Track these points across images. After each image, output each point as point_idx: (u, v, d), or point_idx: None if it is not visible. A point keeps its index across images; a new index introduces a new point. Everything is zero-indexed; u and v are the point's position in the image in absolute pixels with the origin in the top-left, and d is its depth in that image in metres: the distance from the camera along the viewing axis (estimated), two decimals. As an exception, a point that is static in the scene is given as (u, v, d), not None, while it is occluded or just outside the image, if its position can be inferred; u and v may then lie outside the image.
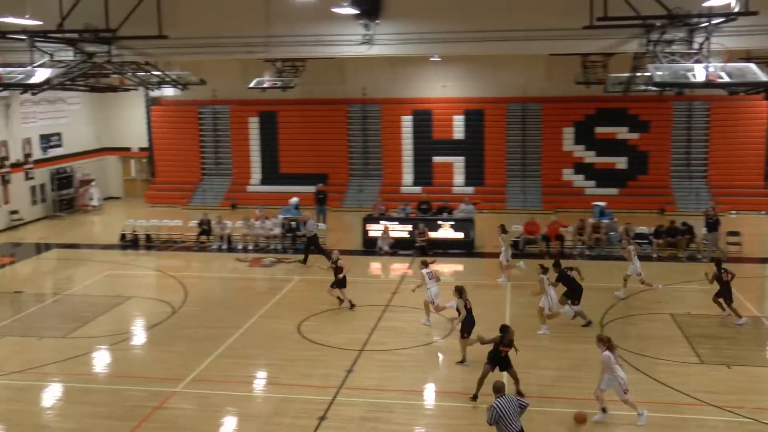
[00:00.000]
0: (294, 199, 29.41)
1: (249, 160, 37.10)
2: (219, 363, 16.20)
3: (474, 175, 35.24)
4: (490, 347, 14.06)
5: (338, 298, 19.98)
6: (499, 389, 11.07)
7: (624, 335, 17.22)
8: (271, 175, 36.64)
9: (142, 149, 38.74)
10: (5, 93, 27.19)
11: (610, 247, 25.57)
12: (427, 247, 25.73)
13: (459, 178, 35.38)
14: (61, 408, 14.51)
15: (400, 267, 24.49)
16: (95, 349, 17.47)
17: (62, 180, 34.88)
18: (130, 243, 28.35)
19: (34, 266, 26.55)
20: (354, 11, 18.77)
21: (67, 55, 19.27)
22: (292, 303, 20.50)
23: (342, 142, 36.33)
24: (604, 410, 13.12)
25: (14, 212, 31.88)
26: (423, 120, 35.58)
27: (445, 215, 27.49)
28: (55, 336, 18.22)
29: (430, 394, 14.78)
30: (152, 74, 24.94)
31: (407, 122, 35.69)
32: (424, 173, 35.57)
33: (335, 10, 18.53)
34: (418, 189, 33.99)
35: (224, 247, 27.22)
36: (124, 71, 23.50)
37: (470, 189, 34.37)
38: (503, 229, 22.79)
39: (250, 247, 27.10)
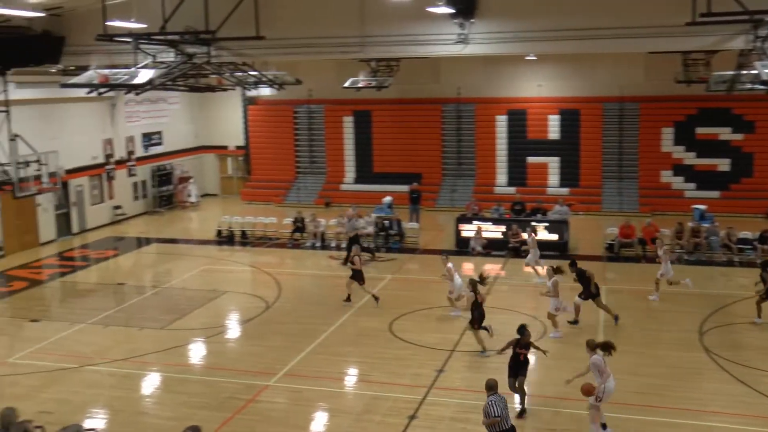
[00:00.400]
0: (387, 198, 29.54)
1: (343, 159, 37.43)
2: (311, 359, 16.40)
3: (569, 176, 34.65)
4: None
5: (374, 296, 20.27)
6: (491, 387, 11.22)
7: (726, 344, 16.65)
8: (364, 174, 36.88)
9: (238, 147, 39.57)
10: (111, 93, 28.13)
11: (710, 252, 24.72)
12: (520, 248, 25.43)
13: (554, 178, 34.85)
14: (159, 396, 14.97)
15: (492, 268, 24.26)
16: (192, 341, 17.95)
17: (162, 177, 35.96)
18: (225, 239, 29.00)
19: (135, 259, 27.46)
20: (449, 10, 18.68)
21: (169, 56, 19.79)
22: (383, 301, 20.55)
23: (436, 141, 36.27)
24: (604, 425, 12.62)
25: (117, 207, 33.07)
26: (518, 120, 35.18)
27: (539, 216, 27.12)
28: (154, 327, 18.81)
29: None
30: (249, 74, 25.42)
31: (502, 122, 35.35)
32: (518, 173, 35.18)
33: (430, 9, 18.48)
34: (511, 189, 33.60)
35: (318, 244, 27.55)
36: (223, 71, 24.02)
37: (565, 190, 33.80)
38: (534, 230, 23.56)
39: (343, 246, 27.33)
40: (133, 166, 34.30)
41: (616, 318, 18.23)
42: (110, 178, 32.76)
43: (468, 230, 26.48)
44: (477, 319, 16.57)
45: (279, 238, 28.65)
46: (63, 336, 18.26)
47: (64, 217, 29.93)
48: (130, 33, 18.40)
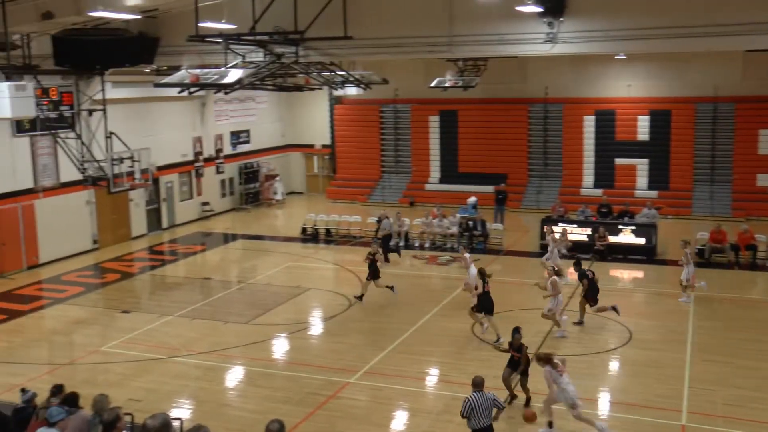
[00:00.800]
0: (472, 199, 29.38)
1: (428, 159, 37.41)
2: (392, 357, 16.45)
3: (658, 179, 33.78)
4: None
5: (388, 287, 20.64)
6: (477, 384, 11.23)
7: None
8: (449, 174, 36.77)
9: (324, 146, 39.99)
10: (201, 92, 28.86)
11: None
12: (607, 251, 24.95)
13: (642, 181, 34.04)
14: (243, 389, 15.27)
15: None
16: (275, 336, 18.24)
17: (249, 174, 36.63)
18: (310, 237, 29.35)
19: (221, 255, 28.06)
20: (538, 9, 18.45)
21: (258, 56, 20.12)
22: (466, 303, 20.41)
23: (522, 142, 35.90)
24: (550, 424, 12.77)
25: (206, 204, 33.84)
26: (606, 120, 34.49)
27: (626, 219, 26.55)
28: (239, 321, 19.19)
29: (603, 403, 14.31)
30: (336, 74, 25.63)
31: (589, 122, 34.73)
32: (605, 175, 34.49)
33: (519, 8, 18.29)
34: (598, 191, 32.99)
35: (401, 244, 27.62)
36: (310, 71, 24.27)
37: (654, 193, 32.96)
38: (551, 229, 23.81)
39: (427, 245, 27.34)
40: (221, 163, 35.05)
41: (614, 308, 18.09)
42: (199, 175, 33.56)
43: (554, 232, 26.04)
44: (483, 307, 17.42)
45: (363, 236, 28.82)
46: (152, 327, 18.81)
47: (154, 212, 30.84)
48: (220, 34, 18.78)
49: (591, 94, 34.64)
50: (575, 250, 25.35)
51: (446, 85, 29.59)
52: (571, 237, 25.72)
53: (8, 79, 14.69)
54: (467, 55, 26.47)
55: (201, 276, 24.18)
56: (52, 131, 22.56)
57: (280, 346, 17.80)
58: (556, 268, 18.25)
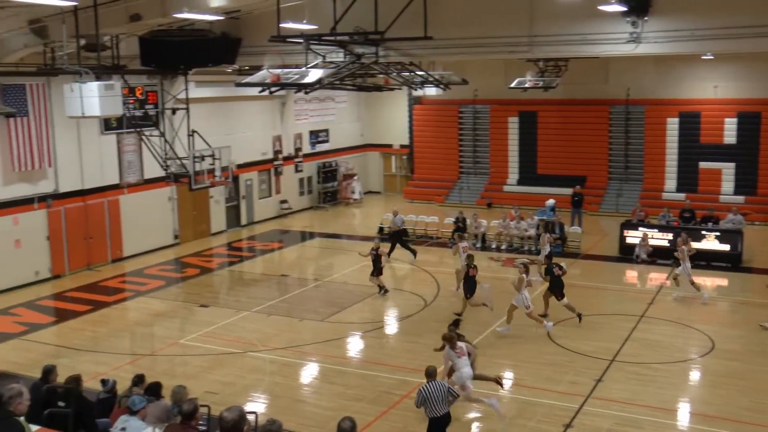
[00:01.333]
0: (550, 201, 29.02)
1: (507, 160, 37.07)
2: (466, 359, 16.35)
3: (745, 184, 32.68)
4: None
5: (379, 286, 21.23)
6: (430, 374, 11.63)
7: None
8: (528, 176, 36.37)
9: (402, 146, 40.04)
10: (282, 92, 29.22)
11: None
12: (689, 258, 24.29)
13: (728, 185, 32.99)
14: (317, 386, 15.42)
15: (657, 276, 23.34)
16: (350, 334, 18.37)
17: (327, 173, 36.95)
18: (387, 236, 29.41)
19: (299, 253, 28.39)
20: (621, 8, 18.09)
21: (338, 56, 20.27)
22: (542, 305, 20.23)
23: (602, 144, 35.24)
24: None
25: (284, 202, 34.29)
26: (690, 122, 33.56)
27: (710, 225, 25.81)
28: (314, 319, 19.38)
29: (683, 414, 13.95)
30: (416, 74, 25.64)
31: (673, 125, 33.85)
32: (688, 179, 33.57)
33: (602, 7, 17.96)
34: (681, 196, 32.12)
35: (478, 245, 27.47)
36: (390, 71, 24.33)
37: (740, 198, 31.94)
38: (546, 229, 24.66)
39: (504, 247, 27.13)
40: (300, 162, 35.46)
41: (579, 316, 18.49)
42: (278, 174, 34.02)
43: (633, 237, 25.59)
44: (468, 290, 19.02)
45: (440, 237, 28.77)
46: (229, 322, 19.16)
47: (233, 209, 31.41)
48: (301, 34, 18.99)
49: (675, 95, 33.76)
50: (656, 256, 24.82)
51: (526, 85, 29.29)
52: (651, 242, 25.15)
53: (98, 78, 15.13)
54: (548, 56, 26.15)
55: (278, 273, 24.51)
56: (138, 129, 23.19)
57: (354, 344, 17.92)
58: (527, 265, 18.60)
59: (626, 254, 25.45)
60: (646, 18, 18.51)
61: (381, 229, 29.68)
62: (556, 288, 18.77)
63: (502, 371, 15.89)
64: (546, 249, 23.32)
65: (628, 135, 34.79)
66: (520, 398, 14.36)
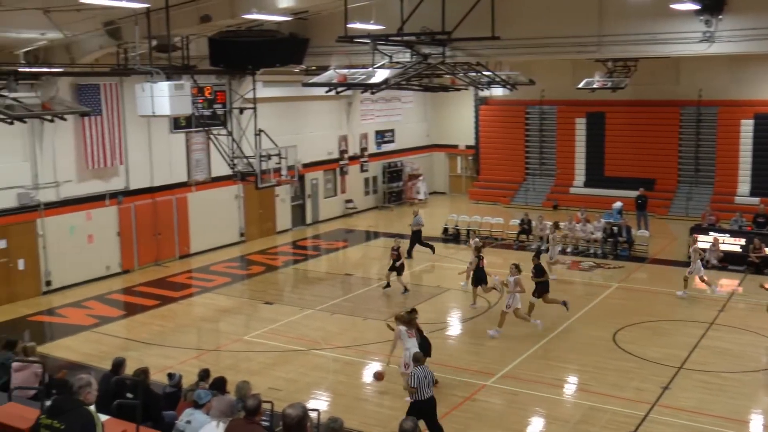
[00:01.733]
0: (617, 204, 28.54)
1: (573, 162, 36.58)
2: (530, 362, 16.22)
3: (825, 188, 31.61)
4: None
5: (405, 286, 21.73)
6: (418, 359, 12.43)
7: None
8: (595, 178, 35.82)
9: (468, 147, 39.86)
10: (348, 92, 29.37)
11: None
12: (762, 264, 23.63)
13: (806, 190, 31.96)
14: (379, 385, 15.33)
15: (728, 283, 22.75)
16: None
17: (392, 173, 37.01)
18: (451, 237, 29.35)
19: (363, 252, 28.49)
20: (695, 6, 17.65)
21: (405, 56, 20.28)
22: (609, 310, 19.93)
23: (672, 146, 34.46)
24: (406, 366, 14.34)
25: (349, 201, 34.46)
26: (766, 124, 32.59)
27: (785, 231, 25.07)
28: (377, 318, 19.41)
29: (756, 426, 13.55)
30: (483, 74, 25.49)
31: (747, 126, 32.85)
32: (763, 183, 32.51)
33: (674, 6, 17.57)
34: (755, 200, 31.22)
35: (543, 247, 27.15)
36: (457, 71, 24.25)
37: (819, 203, 30.92)
38: (557, 226, 24.91)
39: (569, 250, 26.78)
40: (365, 162, 35.60)
41: (564, 304, 19.00)
42: (343, 173, 34.21)
43: (703, 241, 24.94)
44: (477, 280, 20.18)
45: (504, 239, 28.56)
46: (293, 320, 19.33)
47: (299, 208, 31.70)
48: (368, 34, 19.06)
49: (750, 96, 32.80)
50: (726, 261, 24.19)
51: (594, 86, 28.86)
52: (723, 247, 24.51)
53: (168, 78, 15.42)
54: (617, 56, 25.70)
55: (342, 272, 24.64)
56: (206, 128, 23.58)
57: (417, 345, 17.88)
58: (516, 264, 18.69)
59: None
60: (720, 16, 18.01)
61: (445, 230, 29.59)
62: (543, 287, 18.94)
63: (566, 375, 15.72)
64: (557, 248, 24.04)
65: (700, 137, 33.93)
66: (585, 404, 14.14)
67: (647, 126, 34.61)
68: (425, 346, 14.54)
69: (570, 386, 15.36)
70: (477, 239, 22.90)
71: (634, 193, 30.44)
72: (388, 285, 22.04)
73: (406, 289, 21.73)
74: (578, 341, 17.61)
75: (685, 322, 18.91)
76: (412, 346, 13.82)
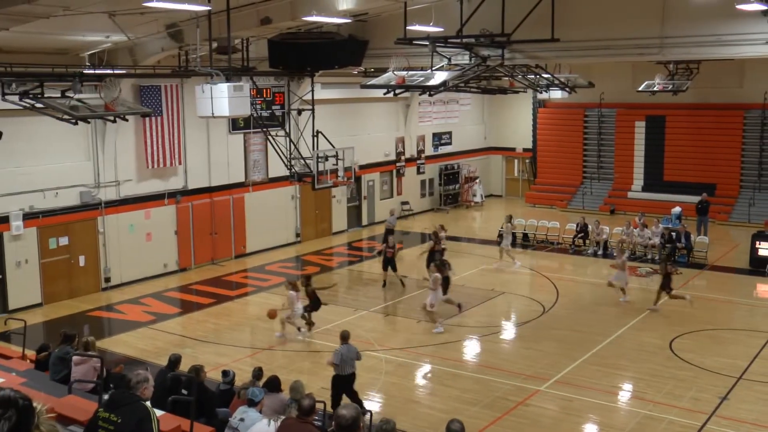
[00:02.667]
0: (676, 209, 28.03)
1: (632, 166, 36.01)
2: (584, 368, 16.02)
3: None
4: None
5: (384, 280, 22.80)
6: (345, 337, 13.49)
7: None
8: (654, 182, 35.21)
9: (525, 150, 39.56)
10: (406, 94, 29.40)
11: None
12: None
13: None
14: (432, 388, 15.42)
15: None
16: (467, 337, 18.28)
17: (449, 176, 36.92)
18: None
19: (418, 254, 28.41)
20: (762, 7, 17.17)
21: (463, 58, 20.20)
22: (665, 317, 19.58)
23: (735, 150, 33.69)
24: (299, 329, 18.11)
25: (405, 203, 34.47)
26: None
27: None
28: (431, 321, 19.35)
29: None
30: (542, 77, 25.27)
31: (815, 131, 32.02)
32: (831, 190, 31.69)
33: (740, 6, 17.13)
34: (822, 207, 30.40)
35: (600, 252, 26.83)
36: (515, 74, 24.09)
37: None
38: (509, 219, 25.69)
39: (626, 255, 26.32)
40: (422, 164, 35.57)
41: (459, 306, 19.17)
42: (399, 175, 34.23)
43: (766, 249, 24.33)
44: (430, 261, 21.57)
45: (561, 243, 28.27)
46: (347, 320, 19.39)
47: (355, 209, 31.83)
48: (427, 36, 19.03)
49: (817, 100, 31.93)
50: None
51: (655, 89, 28.40)
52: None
53: (228, 80, 15.62)
54: (680, 58, 25.24)
55: (397, 274, 24.61)
56: (264, 129, 23.82)
57: (471, 348, 17.83)
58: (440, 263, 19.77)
59: (758, 267, 24.21)
60: (788, 17, 17.51)
61: (501, 234, 29.35)
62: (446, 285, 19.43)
63: (621, 383, 15.49)
64: (509, 238, 25.52)
65: (764, 141, 33.14)
66: (640, 412, 13.91)
67: (709, 130, 33.90)
68: (316, 305, 18.21)
69: (625, 394, 15.13)
70: (440, 226, 24.80)
71: (693, 198, 29.88)
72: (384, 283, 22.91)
73: (384, 284, 22.77)
74: (633, 348, 17.33)
75: (745, 331, 18.47)
76: (299, 309, 17.64)
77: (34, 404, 3.75)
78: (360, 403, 13.08)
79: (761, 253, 24.36)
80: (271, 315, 17.95)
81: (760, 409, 13.93)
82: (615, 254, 22.75)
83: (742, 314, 20.08)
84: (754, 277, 23.69)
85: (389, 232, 25.81)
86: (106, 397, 7.69)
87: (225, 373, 12.14)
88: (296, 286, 17.96)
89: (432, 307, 18.39)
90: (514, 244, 26.61)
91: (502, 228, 25.86)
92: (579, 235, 27.58)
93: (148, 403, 6.72)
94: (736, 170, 33.70)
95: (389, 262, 22.72)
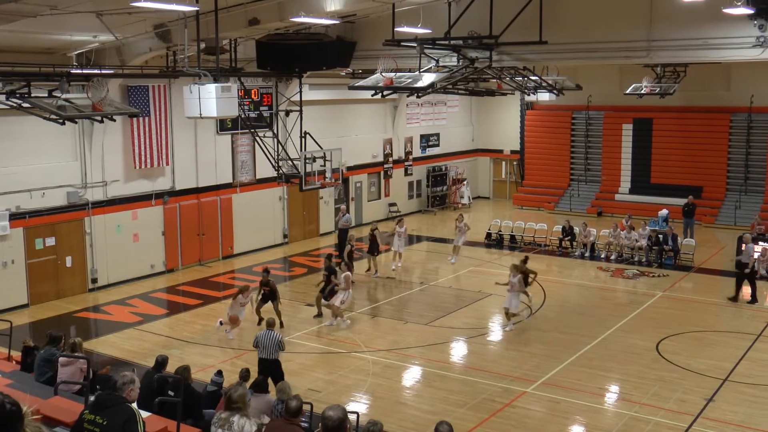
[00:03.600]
0: (663, 211, 28.17)
1: (619, 168, 36.15)
2: (571, 370, 16.06)
3: None
4: None
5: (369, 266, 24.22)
6: (270, 324, 14.68)
7: None
8: (641, 185, 35.34)
9: (513, 152, 39.64)
10: (394, 95, 29.43)
11: None
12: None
13: None
14: (419, 389, 15.43)
15: (777, 294, 22.34)
16: (454, 339, 18.29)
17: (437, 177, 36.95)
18: (494, 242, 29.21)
19: (405, 256, 28.29)
20: (749, 11, 17.26)
21: (451, 60, 20.25)
22: (652, 319, 19.66)
23: (721, 153, 33.88)
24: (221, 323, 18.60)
25: (392, 204, 34.48)
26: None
27: (838, 242, 24.47)
28: (419, 322, 19.40)
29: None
30: (529, 79, 25.36)
31: (801, 135, 32.23)
32: (816, 193, 31.91)
33: (727, 10, 17.21)
34: (807, 210, 30.59)
35: (587, 254, 26.92)
36: (503, 76, 24.16)
37: None
38: (461, 218, 26.36)
39: (613, 257, 26.48)
40: (409, 165, 35.60)
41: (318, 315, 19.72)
42: (387, 176, 34.25)
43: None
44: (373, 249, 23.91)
45: (548, 245, 28.34)
46: (335, 322, 19.35)
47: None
48: (416, 38, 19.07)
49: (804, 103, 32.14)
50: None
51: (642, 92, 28.54)
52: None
53: (216, 81, 15.60)
54: (667, 61, 25.39)
55: (384, 275, 24.64)
56: (252, 130, 23.78)
57: (458, 350, 17.84)
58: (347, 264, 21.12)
59: (742, 269, 24.25)
60: (775, 21, 17.61)
61: (489, 235, 29.46)
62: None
63: (608, 384, 15.54)
64: (462, 238, 25.97)
65: (750, 145, 33.34)
66: (627, 413, 13.96)
67: (696, 133, 34.10)
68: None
69: (611, 395, 15.18)
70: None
71: (680, 201, 30.05)
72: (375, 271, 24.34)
73: (376, 271, 24.19)
74: (620, 350, 17.39)
75: (731, 333, 18.57)
76: (241, 311, 18.28)
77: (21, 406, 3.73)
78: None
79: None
80: (233, 320, 18.10)
81: (745, 411, 14.00)
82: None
83: (728, 316, 20.18)
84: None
85: (345, 232, 26.07)
86: (91, 398, 7.65)
87: (219, 373, 12.08)
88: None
89: (342, 304, 19.00)
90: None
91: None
92: (566, 238, 27.66)
93: (134, 405, 6.70)
94: (723, 173, 33.89)
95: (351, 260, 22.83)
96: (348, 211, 27.77)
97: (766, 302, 21.89)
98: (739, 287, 21.33)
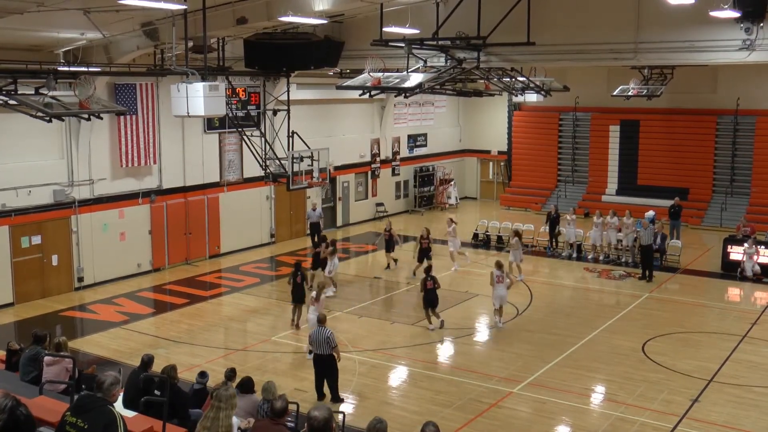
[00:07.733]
0: (650, 213, 28.23)
1: (606, 169, 36.27)
2: (557, 371, 16.10)
3: None
4: None
5: (390, 263, 25.05)
6: (320, 321, 14.57)
7: None
8: (627, 186, 35.47)
9: (500, 152, 39.71)
10: (381, 95, 29.42)
11: None
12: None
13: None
14: (405, 390, 15.42)
15: (763, 295, 22.44)
16: (441, 339, 18.28)
17: (424, 178, 36.98)
18: (481, 242, 29.25)
19: (392, 255, 28.40)
20: (735, 14, 17.36)
21: (439, 61, 20.27)
22: (638, 320, 19.74)
23: (708, 155, 34.03)
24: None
25: (380, 204, 34.48)
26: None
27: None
28: (405, 322, 19.41)
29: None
30: (517, 80, 25.40)
31: (786, 137, 32.38)
32: (802, 195, 32.07)
33: (714, 13, 17.30)
34: (793, 212, 30.75)
35: (574, 255, 26.98)
36: (491, 77, 24.18)
37: None
38: (451, 221, 25.99)
39: (601, 258, 26.55)
40: (397, 165, 35.60)
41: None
42: (374, 176, 34.24)
43: (737, 252, 24.59)
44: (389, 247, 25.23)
45: (535, 245, 28.39)
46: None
47: (329, 210, 31.76)
48: (404, 38, 19.07)
49: (789, 106, 32.31)
50: (762, 274, 23.80)
51: (629, 93, 28.63)
52: (763, 260, 24.05)
53: (203, 79, 15.55)
54: (654, 63, 25.49)
55: (371, 275, 24.65)
56: (239, 129, 23.73)
57: (444, 350, 17.85)
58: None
59: (729, 271, 24.48)
60: (761, 24, 17.69)
61: (476, 236, 29.50)
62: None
63: (593, 385, 15.59)
64: (457, 241, 26.03)
65: (736, 147, 33.50)
66: (613, 414, 14.01)
67: (682, 135, 34.26)
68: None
69: (598, 396, 15.22)
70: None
71: (666, 202, 30.14)
72: (388, 266, 25.01)
73: (389, 266, 25.05)
74: (606, 351, 17.45)
75: (717, 334, 18.67)
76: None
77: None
78: None
79: (733, 257, 24.62)
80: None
81: (730, 411, 14.07)
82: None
83: (713, 317, 20.28)
84: (726, 281, 23.96)
85: (316, 226, 26.95)
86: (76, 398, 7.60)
87: (202, 374, 12.06)
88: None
89: (330, 273, 21.17)
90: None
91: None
92: (547, 224, 27.72)
93: (115, 407, 6.63)
94: (709, 175, 34.05)
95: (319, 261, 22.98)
96: (316, 207, 28.62)
97: (750, 303, 22.03)
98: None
